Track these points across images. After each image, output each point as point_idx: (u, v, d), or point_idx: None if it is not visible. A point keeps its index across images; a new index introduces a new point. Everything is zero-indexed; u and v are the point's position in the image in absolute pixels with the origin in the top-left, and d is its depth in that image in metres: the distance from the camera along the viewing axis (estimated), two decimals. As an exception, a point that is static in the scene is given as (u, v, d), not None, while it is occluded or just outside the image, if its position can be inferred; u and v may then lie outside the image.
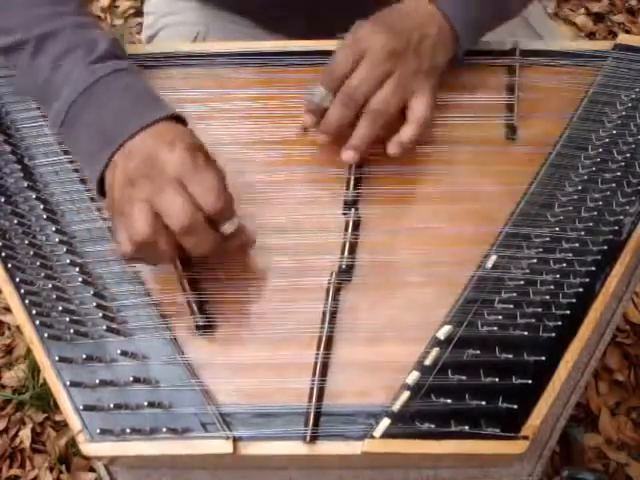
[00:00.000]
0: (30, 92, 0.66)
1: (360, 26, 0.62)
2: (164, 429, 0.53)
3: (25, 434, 1.24)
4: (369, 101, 0.60)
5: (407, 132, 0.62)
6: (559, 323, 0.56)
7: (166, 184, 0.53)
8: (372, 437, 0.53)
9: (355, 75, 0.61)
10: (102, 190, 0.58)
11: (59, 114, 0.60)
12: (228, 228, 0.56)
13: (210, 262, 0.60)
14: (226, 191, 0.55)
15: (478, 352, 0.55)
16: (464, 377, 0.54)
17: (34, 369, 1.27)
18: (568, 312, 0.57)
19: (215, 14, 0.84)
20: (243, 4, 0.81)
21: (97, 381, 0.55)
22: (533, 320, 0.56)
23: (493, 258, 0.59)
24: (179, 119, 0.59)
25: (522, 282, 0.58)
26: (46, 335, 0.57)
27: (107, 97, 0.59)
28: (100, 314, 0.57)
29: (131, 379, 0.54)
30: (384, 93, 0.60)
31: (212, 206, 0.54)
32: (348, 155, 0.62)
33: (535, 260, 0.59)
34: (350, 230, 0.61)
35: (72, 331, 0.57)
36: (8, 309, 1.30)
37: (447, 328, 0.56)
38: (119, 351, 0.56)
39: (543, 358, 0.55)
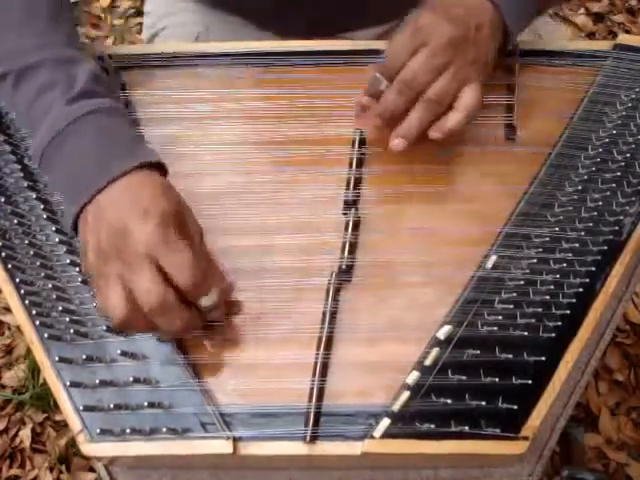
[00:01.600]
0: (17, 122, 0.66)
1: (420, 15, 0.61)
2: (164, 429, 0.53)
3: (25, 434, 1.24)
4: (426, 90, 0.60)
5: (454, 118, 0.61)
6: (559, 323, 0.56)
7: (136, 261, 0.51)
8: (372, 437, 0.53)
9: (414, 63, 0.60)
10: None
11: (36, 154, 0.58)
12: (205, 302, 0.54)
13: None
14: (200, 265, 0.53)
15: (478, 352, 0.55)
16: (464, 377, 0.54)
17: (34, 369, 1.27)
18: (568, 312, 0.57)
19: (215, 15, 0.84)
20: (242, 4, 0.81)
21: (97, 381, 0.55)
22: (533, 320, 0.56)
23: (493, 258, 0.59)
24: (157, 165, 0.57)
25: (522, 282, 0.58)
26: (46, 335, 0.57)
27: (80, 141, 0.57)
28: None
29: (131, 379, 0.54)
30: (442, 83, 0.60)
31: (185, 283, 0.52)
32: (397, 143, 0.61)
33: (535, 260, 0.59)
34: (350, 230, 0.61)
35: (72, 331, 0.57)
36: (8, 309, 1.29)
37: (447, 328, 0.56)
38: (119, 351, 0.56)
39: (543, 358, 0.55)
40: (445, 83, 0.60)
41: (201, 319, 0.55)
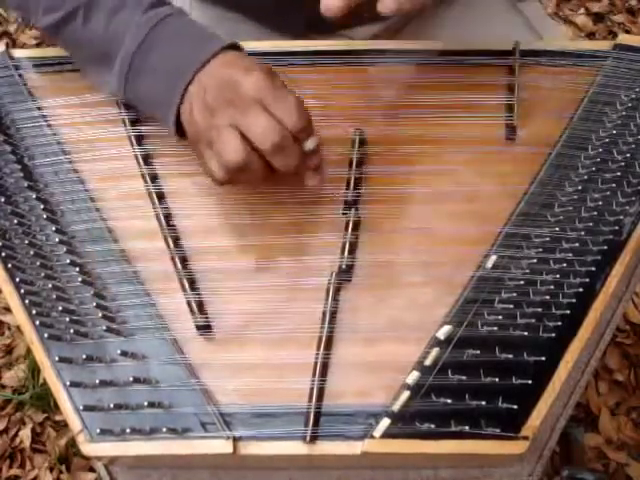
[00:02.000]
0: (87, 60, 0.66)
1: None
2: (164, 429, 0.53)
3: (25, 434, 1.24)
4: None
5: None
6: (559, 323, 0.56)
7: (248, 106, 0.54)
8: (372, 437, 0.53)
9: None
10: (179, 130, 0.60)
11: (123, 66, 0.61)
12: (310, 144, 0.57)
13: (211, 259, 0.60)
14: (305, 110, 0.56)
15: (478, 352, 0.55)
16: (464, 377, 0.54)
17: (34, 369, 1.27)
18: (568, 312, 0.57)
19: (214, 11, 0.84)
20: (243, 1, 0.81)
21: (97, 381, 0.55)
22: (533, 320, 0.56)
23: (493, 258, 0.59)
24: (238, 47, 0.61)
25: (522, 282, 0.58)
26: (46, 335, 0.57)
27: (168, 39, 0.60)
28: (100, 314, 0.57)
29: (131, 379, 0.54)
30: None
31: (295, 124, 0.55)
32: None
33: (535, 260, 0.59)
34: (350, 230, 0.61)
35: (72, 331, 0.57)
36: (8, 309, 1.30)
37: (447, 328, 0.56)
38: (119, 351, 0.56)
39: (543, 358, 0.55)
40: None
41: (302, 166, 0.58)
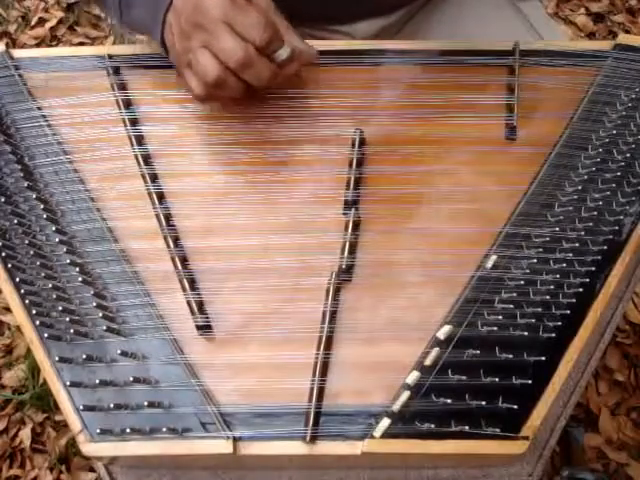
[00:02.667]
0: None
1: None
2: (164, 429, 0.53)
3: (25, 434, 1.24)
4: None
5: None
6: (559, 323, 0.56)
7: (215, 27, 0.57)
8: (372, 437, 0.53)
9: None
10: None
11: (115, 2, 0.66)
12: (281, 55, 0.60)
13: (211, 259, 0.60)
14: (271, 22, 0.58)
15: (478, 352, 0.55)
16: (464, 377, 0.54)
17: (34, 369, 1.27)
18: (568, 312, 0.57)
19: None
20: None
21: (97, 381, 0.55)
22: (533, 320, 0.56)
23: (493, 258, 0.59)
24: None
25: (522, 282, 0.58)
26: (46, 335, 0.57)
27: None
28: (100, 314, 0.57)
29: (131, 379, 0.54)
30: None
31: (259, 39, 0.57)
32: None
33: (535, 260, 0.59)
34: (350, 230, 0.61)
35: (72, 331, 0.57)
36: (8, 309, 1.30)
37: (447, 328, 0.56)
38: (119, 351, 0.56)
39: (543, 358, 0.55)
40: None
41: (280, 73, 0.61)
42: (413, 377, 0.55)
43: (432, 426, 0.53)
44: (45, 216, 0.62)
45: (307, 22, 0.71)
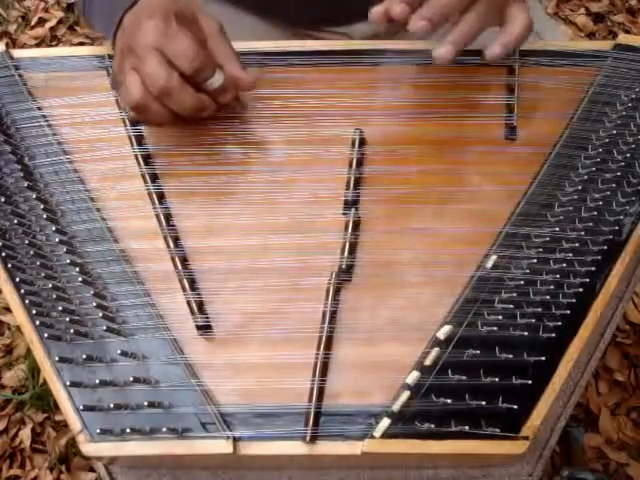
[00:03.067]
0: None
1: None
2: (164, 429, 0.53)
3: (25, 434, 1.24)
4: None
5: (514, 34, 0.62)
6: (559, 323, 0.56)
7: (144, 52, 0.59)
8: (372, 437, 0.53)
9: None
10: None
11: (80, 10, 0.70)
12: (212, 83, 0.61)
13: (211, 259, 0.60)
14: (202, 51, 0.60)
15: (478, 352, 0.55)
16: (464, 377, 0.54)
17: (34, 369, 1.27)
18: (568, 312, 0.57)
19: (207, 6, 0.83)
20: None
21: (97, 381, 0.55)
22: (533, 320, 0.56)
23: (493, 258, 0.59)
24: None
25: (522, 282, 0.58)
26: (46, 335, 0.57)
27: None
28: (100, 314, 0.57)
29: (131, 379, 0.54)
30: None
31: (187, 67, 0.59)
32: (420, 25, 0.60)
33: (535, 260, 0.59)
34: (350, 230, 0.61)
35: (72, 331, 0.57)
36: (8, 309, 1.30)
37: (447, 328, 0.56)
38: (119, 351, 0.56)
39: (543, 358, 0.55)
40: None
41: (214, 102, 0.62)
42: (413, 377, 0.55)
43: (432, 426, 0.53)
44: (45, 216, 0.62)
45: (304, 24, 0.71)
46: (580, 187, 0.62)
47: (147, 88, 0.59)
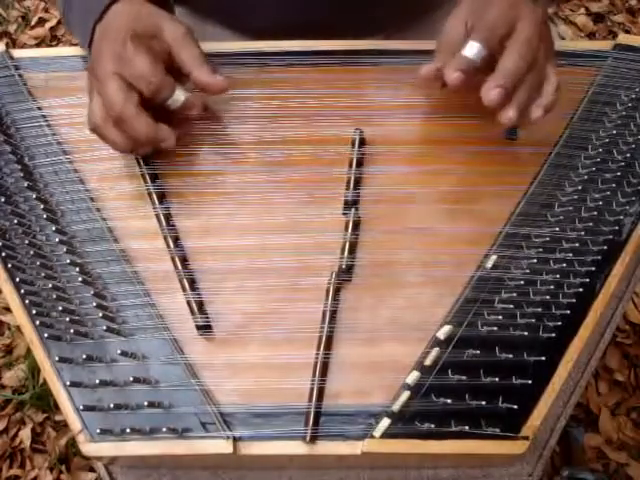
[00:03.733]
0: None
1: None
2: (164, 429, 0.53)
3: (25, 434, 1.24)
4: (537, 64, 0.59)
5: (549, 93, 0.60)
6: (559, 323, 0.56)
7: (104, 77, 0.60)
8: (372, 437, 0.53)
9: (524, 33, 0.59)
10: None
11: (62, 16, 0.70)
12: (174, 102, 0.61)
13: (211, 259, 0.60)
14: (159, 73, 0.60)
15: (478, 352, 0.55)
16: (464, 377, 0.54)
17: (34, 369, 1.27)
18: (568, 312, 0.57)
19: (206, 25, 0.83)
20: (241, 19, 0.80)
21: (97, 381, 0.55)
22: (533, 320, 0.56)
23: (493, 258, 0.59)
24: None
25: (522, 282, 0.58)
26: (46, 335, 0.57)
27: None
28: (100, 314, 0.57)
29: (131, 379, 0.54)
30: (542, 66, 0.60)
31: (145, 89, 0.59)
32: (510, 115, 0.59)
33: (535, 260, 0.59)
34: (350, 230, 0.61)
35: (72, 331, 0.57)
36: (8, 309, 1.30)
37: (447, 328, 0.56)
38: (119, 351, 0.56)
39: (543, 358, 0.55)
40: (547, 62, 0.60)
41: (177, 127, 0.62)
42: (413, 377, 0.55)
43: (432, 426, 0.53)
44: (45, 216, 0.62)
45: (269, 35, 0.70)
46: (580, 187, 0.62)
47: (107, 112, 0.60)
